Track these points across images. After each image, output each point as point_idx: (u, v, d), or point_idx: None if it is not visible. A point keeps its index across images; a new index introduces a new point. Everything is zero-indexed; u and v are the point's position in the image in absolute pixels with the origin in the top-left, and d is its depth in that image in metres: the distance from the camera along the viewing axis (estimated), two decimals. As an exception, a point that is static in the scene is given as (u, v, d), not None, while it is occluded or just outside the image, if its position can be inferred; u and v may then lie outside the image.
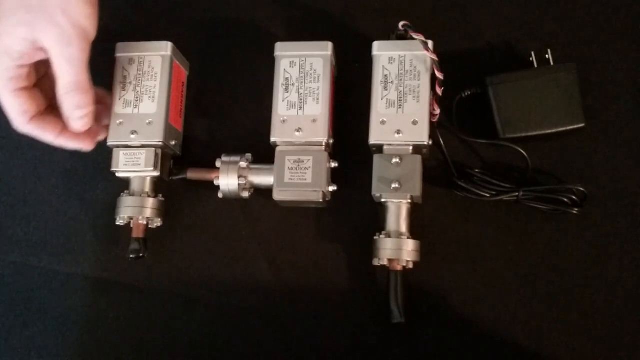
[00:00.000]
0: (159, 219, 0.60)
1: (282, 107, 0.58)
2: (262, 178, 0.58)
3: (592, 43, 0.61)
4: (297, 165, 0.57)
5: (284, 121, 0.57)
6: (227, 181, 0.58)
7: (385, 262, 0.55)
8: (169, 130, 0.59)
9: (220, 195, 0.59)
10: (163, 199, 0.60)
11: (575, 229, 0.57)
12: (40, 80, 0.56)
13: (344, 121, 0.60)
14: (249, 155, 0.60)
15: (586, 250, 0.57)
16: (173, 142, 0.60)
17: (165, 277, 0.61)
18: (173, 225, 0.62)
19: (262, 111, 0.60)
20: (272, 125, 0.57)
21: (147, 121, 0.58)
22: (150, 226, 0.59)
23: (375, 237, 0.56)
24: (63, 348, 0.61)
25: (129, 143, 0.58)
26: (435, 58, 0.55)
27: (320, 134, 0.57)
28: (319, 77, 0.58)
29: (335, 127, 0.59)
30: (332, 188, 0.57)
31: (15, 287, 0.62)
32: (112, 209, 0.59)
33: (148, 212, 0.58)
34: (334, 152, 0.59)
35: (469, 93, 0.59)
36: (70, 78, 0.53)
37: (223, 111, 0.64)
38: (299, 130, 0.57)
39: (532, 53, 0.58)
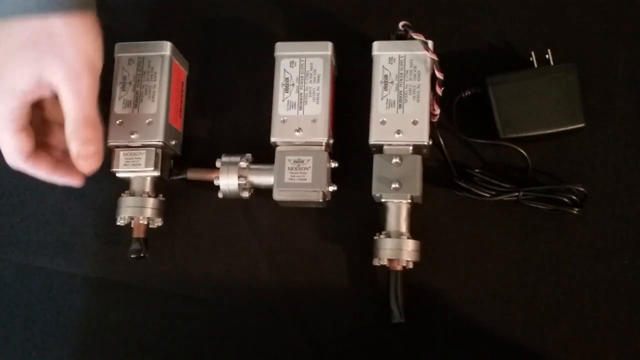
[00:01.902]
0: (160, 219, 0.60)
1: (282, 107, 0.58)
2: (262, 178, 0.58)
3: (592, 43, 0.61)
4: (297, 165, 0.57)
5: (284, 121, 0.57)
6: (227, 181, 0.58)
7: (385, 262, 0.55)
8: (169, 130, 0.59)
9: (220, 195, 0.59)
10: (164, 198, 0.60)
11: (575, 229, 0.57)
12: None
13: (344, 121, 0.60)
14: (249, 155, 0.60)
15: (586, 250, 0.57)
16: (173, 142, 0.60)
17: (165, 277, 0.61)
18: (173, 225, 0.62)
19: (262, 111, 0.60)
20: (272, 125, 0.57)
21: (147, 121, 0.58)
22: (150, 226, 0.59)
23: (375, 237, 0.56)
24: (63, 348, 0.61)
25: (129, 143, 0.58)
26: (435, 58, 0.55)
27: (320, 134, 0.57)
28: (319, 77, 0.58)
29: (335, 127, 0.59)
30: (332, 188, 0.57)
31: (15, 287, 0.62)
32: (112, 209, 0.59)
33: (149, 212, 0.58)
34: (334, 152, 0.59)
35: (469, 93, 0.59)
36: (80, 112, 0.52)
37: (223, 111, 0.64)
38: (299, 130, 0.57)
39: (532, 53, 0.58)
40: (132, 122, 0.58)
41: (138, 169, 0.58)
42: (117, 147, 0.58)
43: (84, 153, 0.54)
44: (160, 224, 0.60)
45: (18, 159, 0.54)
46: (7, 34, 0.50)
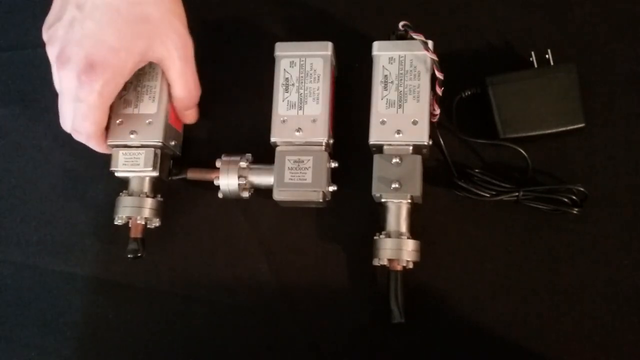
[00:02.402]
0: (157, 219, 0.60)
1: (282, 107, 0.58)
2: (262, 178, 0.58)
3: (592, 43, 0.61)
4: (297, 165, 0.57)
5: (284, 121, 0.57)
6: (227, 181, 0.58)
7: (385, 262, 0.55)
8: (168, 131, 0.59)
9: (220, 195, 0.59)
10: (162, 199, 0.60)
11: (575, 229, 0.57)
12: None
13: (344, 121, 0.60)
14: (249, 155, 0.60)
15: (586, 250, 0.57)
16: (172, 143, 0.60)
17: (165, 277, 0.61)
18: (173, 225, 0.62)
19: (262, 111, 0.60)
20: (272, 125, 0.57)
21: (147, 121, 0.58)
22: (148, 226, 0.59)
23: (375, 237, 0.56)
24: (63, 348, 0.61)
25: (128, 143, 0.58)
26: (435, 58, 0.55)
27: (320, 134, 0.57)
28: (319, 77, 0.58)
29: (335, 127, 0.59)
30: (332, 188, 0.57)
31: (15, 287, 0.62)
32: (112, 209, 0.59)
33: (146, 212, 0.58)
34: (334, 152, 0.59)
35: (469, 93, 0.59)
36: (191, 78, 0.57)
37: (223, 111, 0.64)
38: (299, 130, 0.57)
39: (532, 53, 0.58)
40: (132, 122, 0.58)
41: (137, 169, 0.58)
42: (117, 146, 0.58)
43: (191, 110, 0.60)
44: (157, 225, 0.60)
45: (96, 134, 0.56)
46: (115, 11, 0.52)
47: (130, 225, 0.59)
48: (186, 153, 0.63)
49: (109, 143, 0.58)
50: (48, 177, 0.64)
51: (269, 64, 0.59)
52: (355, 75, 0.62)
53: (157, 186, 0.60)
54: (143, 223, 0.59)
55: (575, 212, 0.56)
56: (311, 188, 0.56)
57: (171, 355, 0.60)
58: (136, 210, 0.58)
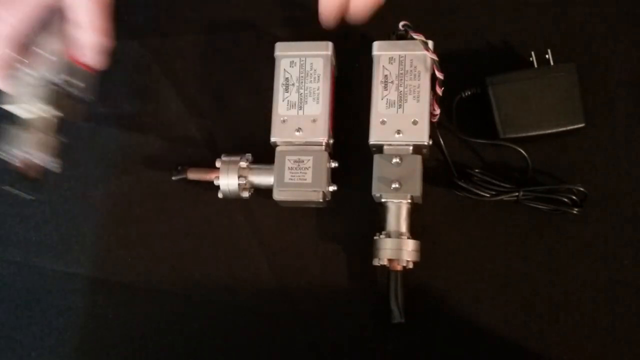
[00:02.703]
0: (56, 160, 0.55)
1: (282, 107, 0.58)
2: (262, 178, 0.58)
3: (592, 43, 0.61)
4: (297, 165, 0.57)
5: (284, 121, 0.57)
6: (227, 181, 0.58)
7: (385, 262, 0.55)
8: (70, 69, 0.55)
9: (220, 195, 0.59)
10: (64, 140, 0.55)
11: (575, 229, 0.57)
12: None
13: (344, 121, 0.60)
14: (249, 155, 0.60)
15: (586, 250, 0.57)
16: (78, 83, 0.55)
17: (165, 277, 0.61)
18: (173, 225, 0.62)
19: (262, 111, 0.60)
20: (272, 125, 0.57)
21: (46, 58, 0.54)
22: (44, 165, 0.55)
23: (375, 237, 0.56)
24: (63, 348, 0.61)
25: (27, 79, 0.54)
26: (436, 58, 0.55)
27: (320, 133, 0.57)
28: (319, 77, 0.58)
29: (335, 127, 0.59)
30: (332, 188, 0.57)
31: (15, 287, 0.62)
32: (112, 209, 0.59)
33: (42, 149, 0.54)
34: (334, 152, 0.59)
35: (469, 93, 0.59)
36: (101, 21, 0.53)
37: (223, 111, 0.64)
38: (299, 130, 0.57)
39: (532, 53, 0.58)
40: (31, 59, 0.54)
41: (31, 109, 0.54)
42: (15, 86, 0.54)
43: (98, 54, 0.55)
44: (58, 168, 0.55)
45: (3, 68, 0.53)
46: None
47: (23, 165, 0.54)
48: (186, 153, 0.63)
49: (7, 80, 0.54)
50: (48, 177, 0.64)
51: (269, 64, 0.59)
52: (355, 75, 0.62)
53: (58, 126, 0.55)
54: (33, 160, 0.54)
55: (575, 212, 0.56)
56: (311, 188, 0.56)
57: (171, 355, 0.60)
58: (30, 148, 0.54)
